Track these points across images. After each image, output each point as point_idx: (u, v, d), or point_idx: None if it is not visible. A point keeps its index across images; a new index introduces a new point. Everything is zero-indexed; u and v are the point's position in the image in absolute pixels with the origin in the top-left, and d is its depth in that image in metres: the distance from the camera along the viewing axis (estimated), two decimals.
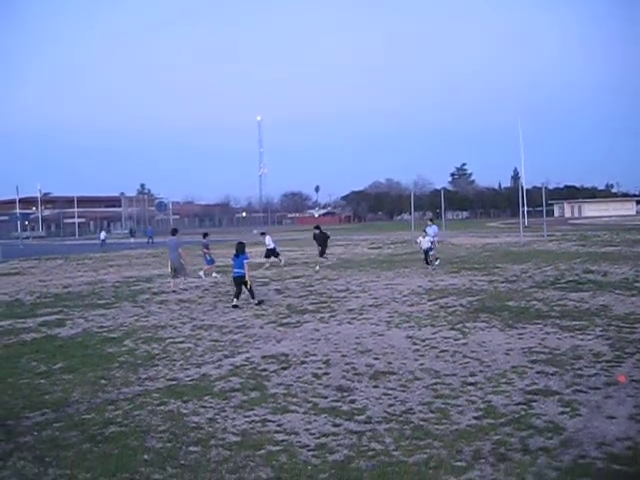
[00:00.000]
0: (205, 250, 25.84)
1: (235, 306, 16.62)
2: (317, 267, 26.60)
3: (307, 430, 7.18)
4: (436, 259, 27.07)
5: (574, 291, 17.42)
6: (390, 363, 10.12)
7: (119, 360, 11.03)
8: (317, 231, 28.10)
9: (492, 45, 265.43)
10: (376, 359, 10.43)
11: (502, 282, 20.05)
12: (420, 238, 26.73)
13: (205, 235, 27.18)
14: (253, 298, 17.12)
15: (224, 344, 12.13)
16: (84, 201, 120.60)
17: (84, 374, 10.08)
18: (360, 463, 6.18)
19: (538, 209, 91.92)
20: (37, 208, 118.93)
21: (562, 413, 7.41)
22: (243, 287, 17.13)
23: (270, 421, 7.52)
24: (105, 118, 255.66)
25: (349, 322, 13.98)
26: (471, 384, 8.76)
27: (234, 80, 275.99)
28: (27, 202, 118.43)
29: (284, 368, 10.07)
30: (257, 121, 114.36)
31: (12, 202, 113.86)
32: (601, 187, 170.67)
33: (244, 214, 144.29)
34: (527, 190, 77.36)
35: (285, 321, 14.39)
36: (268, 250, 28.71)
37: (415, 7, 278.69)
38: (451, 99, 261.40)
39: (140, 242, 61.83)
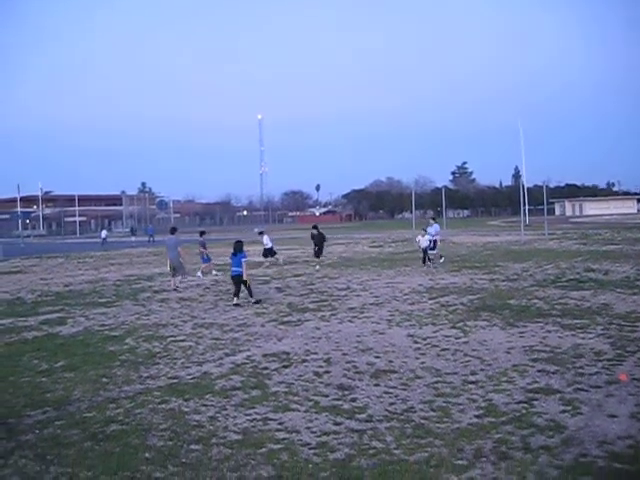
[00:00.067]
0: (202, 249, 25.71)
1: (236, 305, 16.63)
2: (317, 266, 26.60)
3: (308, 428, 7.18)
4: (440, 257, 27.10)
5: (575, 290, 17.42)
6: (391, 361, 10.12)
7: (120, 358, 11.04)
8: (315, 231, 28.03)
9: (493, 44, 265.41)
10: (377, 357, 10.43)
11: (503, 281, 20.05)
12: (419, 237, 26.62)
13: (202, 233, 26.97)
14: (251, 296, 17.12)
15: (225, 342, 12.13)
16: (85, 200, 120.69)
17: (85, 372, 10.09)
18: (361, 461, 6.19)
19: (539, 207, 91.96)
20: (38, 207, 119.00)
21: (563, 412, 7.41)
22: (242, 285, 17.13)
23: (271, 419, 7.53)
24: (106, 117, 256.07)
25: (350, 320, 13.98)
26: (472, 383, 8.76)
27: (234, 79, 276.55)
28: (28, 200, 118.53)
29: (285, 366, 10.07)
30: (258, 120, 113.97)
31: (13, 200, 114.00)
32: (602, 185, 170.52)
33: (245, 213, 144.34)
34: (528, 188, 77.07)
35: (286, 319, 14.39)
36: (266, 249, 28.68)
37: (415, 7, 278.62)
38: (452, 98, 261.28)
39: (141, 240, 61.86)
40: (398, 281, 21.01)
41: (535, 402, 7.80)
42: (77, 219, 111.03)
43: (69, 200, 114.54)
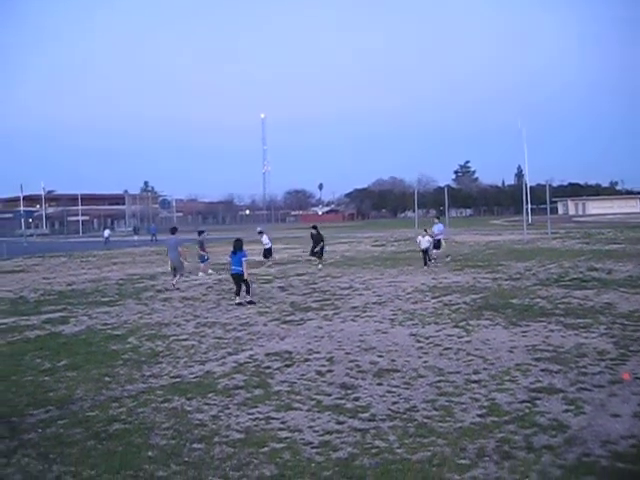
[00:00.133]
0: (200, 249, 25.46)
1: (238, 304, 16.63)
2: (320, 265, 26.60)
3: (311, 427, 7.18)
4: (447, 256, 27.08)
5: (578, 289, 17.40)
6: (394, 361, 10.11)
7: (123, 357, 11.04)
8: (314, 231, 27.94)
9: (494, 43, 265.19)
10: (380, 357, 10.42)
11: (506, 280, 20.03)
12: (419, 237, 26.29)
13: (200, 232, 26.68)
14: (248, 294, 17.05)
15: (228, 341, 12.13)
16: (88, 199, 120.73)
17: (88, 371, 10.10)
18: (364, 461, 6.18)
19: (542, 207, 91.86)
20: (41, 206, 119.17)
21: (566, 411, 7.40)
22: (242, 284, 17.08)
23: (274, 418, 7.53)
24: (109, 117, 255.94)
25: (353, 320, 13.98)
26: (475, 382, 8.76)
27: (236, 79, 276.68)
28: (31, 200, 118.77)
29: (288, 366, 10.07)
30: (260, 119, 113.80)
31: (16, 200, 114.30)
32: (605, 184, 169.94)
33: (247, 212, 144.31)
34: (531, 187, 77.06)
35: (289, 318, 14.39)
36: (266, 249, 28.68)
37: (415, 7, 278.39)
38: (454, 97, 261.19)
39: (144, 240, 61.87)
40: (401, 280, 21.00)
41: (538, 401, 7.79)
42: (80, 218, 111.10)
43: (72, 199, 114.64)
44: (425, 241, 25.40)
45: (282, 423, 7.35)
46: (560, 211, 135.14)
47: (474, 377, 8.99)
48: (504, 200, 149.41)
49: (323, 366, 9.95)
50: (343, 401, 8.11)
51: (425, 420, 7.27)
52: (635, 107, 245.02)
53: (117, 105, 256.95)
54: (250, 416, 7.64)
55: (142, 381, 9.45)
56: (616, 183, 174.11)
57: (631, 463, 5.90)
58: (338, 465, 6.10)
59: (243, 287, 17.10)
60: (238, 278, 17.04)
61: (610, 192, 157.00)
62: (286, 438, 6.87)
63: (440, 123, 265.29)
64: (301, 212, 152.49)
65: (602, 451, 6.19)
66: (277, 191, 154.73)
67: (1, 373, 10.22)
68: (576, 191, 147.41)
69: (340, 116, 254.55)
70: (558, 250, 32.12)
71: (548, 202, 56.25)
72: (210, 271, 25.26)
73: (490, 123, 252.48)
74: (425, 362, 9.95)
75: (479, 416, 7.34)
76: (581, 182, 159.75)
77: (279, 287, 20.38)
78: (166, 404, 8.24)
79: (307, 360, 10.40)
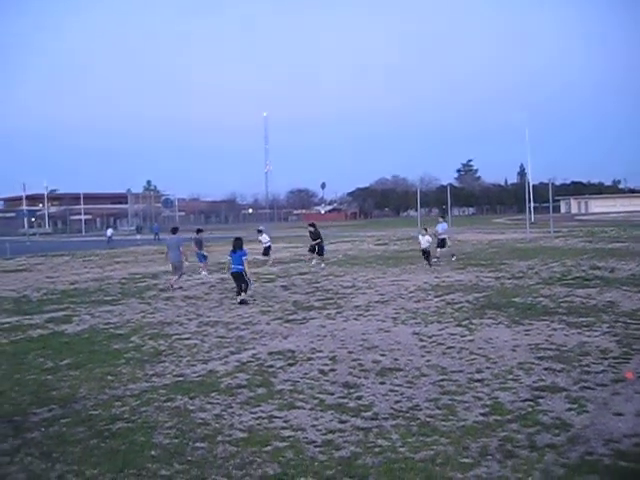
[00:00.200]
0: (196, 247, 25.32)
1: (242, 302, 16.63)
2: (323, 264, 26.60)
3: (314, 426, 7.18)
4: (452, 256, 27.07)
5: (581, 287, 17.39)
6: (396, 359, 10.11)
7: (126, 356, 11.06)
8: (312, 229, 27.88)
9: (497, 42, 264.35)
10: (382, 355, 10.42)
11: (509, 278, 20.02)
12: (420, 236, 25.89)
13: (199, 231, 26.46)
14: (245, 292, 16.98)
15: (230, 340, 12.14)
16: (90, 198, 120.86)
17: (91, 370, 10.11)
18: (367, 459, 6.18)
19: (545, 205, 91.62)
20: (44, 205, 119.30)
21: (569, 410, 7.40)
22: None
23: (277, 417, 7.53)
24: (112, 116, 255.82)
25: (355, 318, 13.98)
26: (478, 381, 8.75)
27: (238, 79, 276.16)
28: (34, 199, 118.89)
29: (290, 364, 10.07)
30: (263, 117, 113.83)
31: (19, 199, 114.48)
32: (608, 183, 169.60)
33: (250, 211, 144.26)
34: (534, 186, 77.20)
35: (291, 317, 14.39)
36: (265, 248, 28.82)
37: (416, 6, 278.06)
38: (456, 96, 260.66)
39: (146, 239, 61.94)
40: (403, 279, 21.00)
41: (541, 400, 7.79)
42: (82, 217, 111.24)
43: (75, 198, 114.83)
44: (425, 240, 25.03)
45: (285, 422, 7.35)
46: (563, 210, 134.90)
47: (477, 376, 8.98)
48: (507, 199, 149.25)
49: (326, 365, 9.95)
50: (346, 400, 8.11)
51: (428, 419, 7.27)
52: (639, 105, 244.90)
53: (120, 104, 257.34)
54: (253, 415, 7.64)
55: (145, 380, 9.46)
56: (619, 182, 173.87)
57: (634, 462, 5.89)
58: (341, 464, 6.10)
59: (250, 287, 17.08)
60: (239, 277, 17.02)
61: (613, 191, 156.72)
62: (289, 437, 6.87)
63: (442, 122, 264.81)
64: (304, 211, 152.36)
65: (605, 450, 6.19)
66: (280, 190, 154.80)
67: (4, 372, 10.24)
68: (579, 189, 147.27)
69: (343, 115, 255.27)
70: (561, 249, 32.09)
71: (551, 201, 56.17)
72: (204, 272, 25.13)
73: (493, 122, 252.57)
74: (428, 361, 9.95)
75: (482, 415, 7.33)
76: (584, 180, 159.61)
77: (282, 286, 20.38)
78: (169, 403, 8.25)
79: (310, 359, 10.40)
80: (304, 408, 7.85)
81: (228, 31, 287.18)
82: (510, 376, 8.91)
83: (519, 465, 5.91)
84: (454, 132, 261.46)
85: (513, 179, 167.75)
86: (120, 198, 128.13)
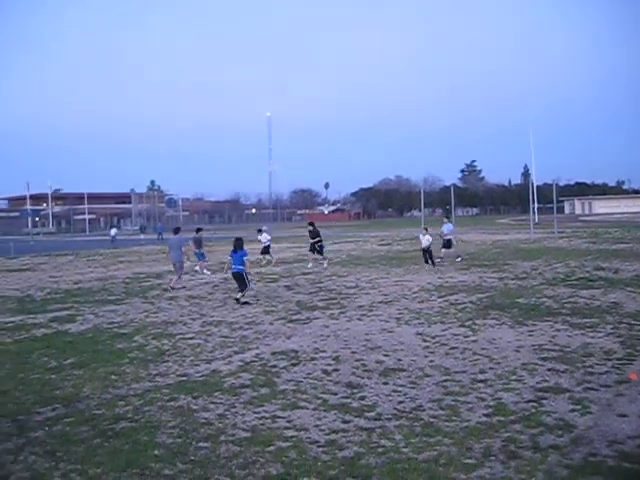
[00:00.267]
0: (195, 247, 25.29)
1: (245, 302, 16.63)
2: (325, 263, 26.60)
3: (317, 426, 7.18)
4: (457, 257, 27.03)
5: (585, 288, 17.36)
6: (400, 360, 10.11)
7: (129, 356, 11.07)
8: (311, 227, 27.86)
9: (501, 43, 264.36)
10: (386, 356, 10.42)
11: (512, 279, 20.00)
12: (420, 236, 25.63)
13: (198, 230, 26.46)
14: (241, 292, 16.90)
15: (234, 340, 12.15)
16: (94, 197, 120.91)
17: (94, 370, 10.12)
18: (370, 460, 6.18)
19: (548, 206, 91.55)
20: (48, 204, 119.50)
21: (573, 411, 7.39)
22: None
23: (280, 417, 7.53)
24: (115, 116, 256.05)
25: (359, 319, 13.97)
26: (481, 381, 8.75)
27: (242, 78, 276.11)
28: (38, 198, 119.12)
29: (294, 364, 10.07)
30: (266, 118, 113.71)
31: (23, 198, 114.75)
32: (612, 184, 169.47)
33: (254, 211, 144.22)
34: (537, 187, 76.80)
35: (295, 317, 14.40)
36: (264, 247, 29.11)
37: (420, 7, 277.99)
38: (461, 97, 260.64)
39: (150, 238, 62.00)
40: (407, 279, 20.99)
41: (544, 401, 7.78)
42: (86, 217, 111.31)
43: (78, 198, 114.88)
44: (425, 239, 24.78)
45: (288, 422, 7.36)
46: (567, 210, 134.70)
47: (480, 376, 8.98)
48: (510, 199, 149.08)
49: (329, 365, 9.95)
50: (349, 400, 8.12)
51: (431, 419, 7.27)
52: None
53: (123, 104, 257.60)
54: (256, 415, 7.65)
55: (148, 380, 9.47)
56: (623, 182, 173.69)
57: (638, 463, 5.89)
58: (344, 464, 6.10)
59: (251, 287, 17.05)
60: (239, 277, 17.01)
61: (617, 191, 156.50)
62: (292, 437, 6.87)
63: (446, 122, 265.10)
64: (307, 211, 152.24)
65: (609, 451, 6.18)
66: (283, 190, 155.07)
67: (8, 371, 10.27)
68: (583, 190, 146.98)
69: (346, 115, 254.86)
70: (565, 249, 32.04)
71: (555, 201, 56.06)
72: (196, 268, 25.09)
73: (496, 122, 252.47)
74: (431, 361, 9.94)
75: (485, 415, 7.33)
76: (588, 181, 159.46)
77: (285, 286, 20.39)
78: (172, 403, 8.26)
79: (313, 359, 10.41)
80: (307, 408, 7.85)
81: (231, 30, 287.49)
82: (513, 377, 8.90)
83: (522, 466, 5.91)
84: (458, 132, 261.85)
85: (517, 180, 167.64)
86: (124, 198, 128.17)
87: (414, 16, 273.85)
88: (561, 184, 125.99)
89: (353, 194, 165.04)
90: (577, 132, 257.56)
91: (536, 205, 65.24)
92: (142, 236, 64.77)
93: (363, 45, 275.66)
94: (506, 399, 7.91)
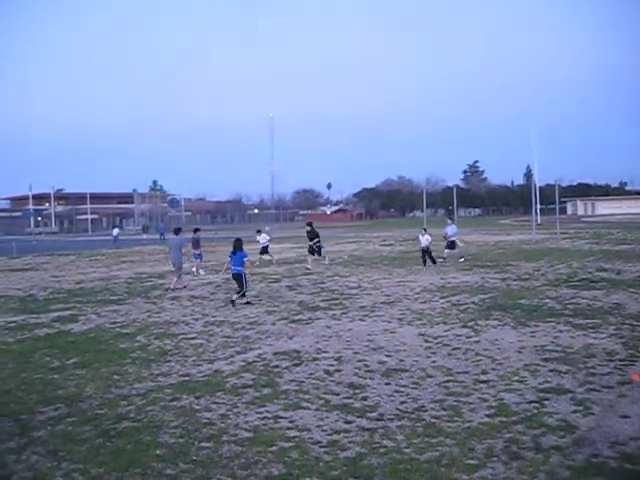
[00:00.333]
0: (193, 248, 25.25)
1: (247, 302, 16.64)
2: (326, 261, 26.59)
3: (319, 427, 7.19)
4: (461, 257, 27.02)
5: (587, 289, 17.34)
6: (402, 360, 10.11)
7: (132, 356, 11.08)
8: (309, 228, 27.72)
9: (505, 43, 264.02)
10: (388, 356, 10.42)
11: (515, 280, 19.98)
12: (420, 236, 25.53)
13: (196, 230, 26.37)
14: (238, 294, 16.83)
15: (236, 340, 12.16)
16: (97, 197, 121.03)
17: (97, 369, 10.14)
18: (372, 460, 6.19)
19: (551, 207, 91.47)
20: (50, 204, 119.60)
21: (575, 412, 7.39)
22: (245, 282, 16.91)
23: (282, 417, 7.54)
24: (118, 116, 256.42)
25: (361, 319, 13.98)
26: (483, 382, 8.75)
27: (244, 79, 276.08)
28: (40, 198, 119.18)
29: (296, 365, 10.08)
30: (268, 118, 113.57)
31: (25, 198, 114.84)
32: (615, 185, 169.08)
33: (256, 211, 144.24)
34: (540, 187, 76.76)
35: (297, 318, 14.40)
36: (262, 247, 29.31)
37: (424, 6, 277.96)
38: (463, 97, 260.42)
39: (152, 238, 62.04)
40: (409, 280, 20.98)
41: (546, 402, 7.78)
42: (89, 217, 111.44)
43: (81, 198, 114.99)
44: (425, 240, 24.65)
45: (290, 422, 7.36)
46: (569, 211, 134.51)
47: (482, 377, 8.98)
48: (513, 200, 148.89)
49: (331, 365, 9.96)
50: (351, 400, 8.12)
51: (433, 420, 7.27)
52: None
53: (126, 104, 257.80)
54: (258, 415, 7.66)
55: (151, 379, 9.48)
56: (625, 183, 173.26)
57: None
58: (346, 464, 6.10)
59: (253, 287, 17.02)
60: (238, 278, 17.01)
61: (619, 192, 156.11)
62: (294, 437, 6.88)
63: (449, 122, 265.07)
64: (309, 211, 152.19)
65: (611, 452, 6.18)
66: (285, 190, 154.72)
67: (11, 371, 10.28)
68: (585, 191, 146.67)
69: (349, 115, 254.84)
70: (567, 250, 32.01)
71: (557, 202, 56.09)
72: (194, 269, 25.13)
73: (499, 123, 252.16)
74: (433, 362, 9.94)
75: (487, 416, 7.33)
76: (590, 182, 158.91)
77: (287, 286, 20.39)
78: (175, 403, 8.27)
79: (315, 359, 10.41)
80: (309, 408, 7.86)
81: (233, 29, 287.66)
82: (516, 378, 8.90)
83: (524, 467, 5.91)
84: (460, 133, 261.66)
85: (519, 180, 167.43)
86: (126, 198, 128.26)
87: (414, 16, 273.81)
88: (563, 185, 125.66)
89: (355, 194, 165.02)
90: (580, 133, 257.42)
91: (538, 206, 65.18)
92: (144, 236, 64.88)
93: (367, 45, 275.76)
94: (508, 400, 7.91)
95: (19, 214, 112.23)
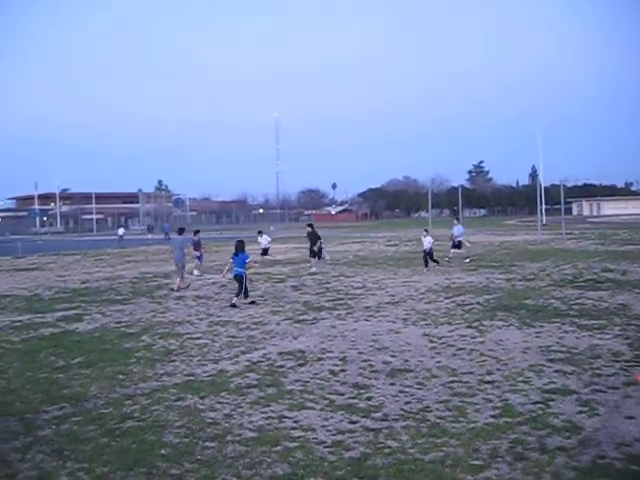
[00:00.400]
0: (193, 249, 25.09)
1: (251, 302, 16.64)
2: (328, 258, 26.60)
3: (324, 427, 7.18)
4: (466, 258, 26.98)
5: (593, 290, 17.30)
6: (407, 361, 10.10)
7: (136, 355, 11.10)
8: (310, 229, 27.53)
9: (510, 43, 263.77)
10: (393, 356, 10.41)
11: (520, 280, 19.95)
12: (422, 238, 25.43)
13: (196, 232, 26.29)
14: (237, 296, 16.72)
15: (241, 340, 12.16)
16: (102, 197, 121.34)
17: (102, 369, 10.15)
18: (376, 460, 6.18)
19: (556, 207, 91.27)
20: (55, 204, 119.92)
21: (580, 412, 7.37)
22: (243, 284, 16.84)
23: (287, 417, 7.53)
24: (123, 116, 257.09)
25: (366, 319, 13.97)
26: (488, 382, 8.73)
27: (250, 79, 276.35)
28: (46, 198, 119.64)
29: (301, 365, 10.08)
30: (274, 118, 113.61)
31: (31, 198, 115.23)
32: (620, 185, 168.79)
33: (261, 211, 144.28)
34: (545, 188, 76.62)
35: (302, 318, 14.40)
36: (264, 249, 29.46)
37: (430, 8, 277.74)
38: (469, 97, 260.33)
39: (157, 238, 62.07)
40: (414, 280, 20.96)
41: (552, 403, 7.76)
42: (94, 217, 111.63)
43: (86, 198, 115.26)
44: (427, 241, 24.52)
45: (295, 422, 7.36)
46: (574, 212, 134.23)
47: (487, 378, 8.96)
48: (518, 200, 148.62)
49: (336, 365, 9.95)
50: (356, 401, 8.11)
51: (438, 420, 7.26)
52: None
53: (131, 104, 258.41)
54: (263, 415, 7.65)
55: (155, 379, 9.49)
56: (631, 184, 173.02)
57: None
58: (351, 465, 6.10)
59: (258, 287, 17.02)
60: (240, 280, 16.95)
61: (625, 193, 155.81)
62: (299, 437, 6.87)
63: (454, 123, 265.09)
64: (314, 211, 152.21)
65: (616, 453, 6.16)
66: (291, 190, 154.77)
67: (16, 370, 10.30)
68: (591, 191, 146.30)
69: (354, 116, 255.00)
70: (572, 251, 31.94)
71: (562, 202, 55.92)
72: (195, 271, 25.14)
73: (504, 123, 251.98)
74: (438, 362, 9.93)
75: (492, 417, 7.31)
76: (596, 182, 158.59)
77: (292, 286, 20.39)
78: (179, 402, 8.28)
79: (320, 359, 10.41)
80: (314, 408, 7.85)
81: (239, 29, 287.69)
82: (521, 378, 8.88)
83: (529, 468, 5.89)
84: (466, 133, 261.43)
85: (524, 181, 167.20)
86: (131, 198, 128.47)
87: (415, 16, 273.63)
88: (569, 185, 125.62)
89: (361, 195, 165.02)
90: (586, 133, 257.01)
91: (544, 206, 64.99)
92: (149, 236, 64.84)
93: (372, 45, 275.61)
94: (513, 400, 7.89)
95: (25, 214, 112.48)
